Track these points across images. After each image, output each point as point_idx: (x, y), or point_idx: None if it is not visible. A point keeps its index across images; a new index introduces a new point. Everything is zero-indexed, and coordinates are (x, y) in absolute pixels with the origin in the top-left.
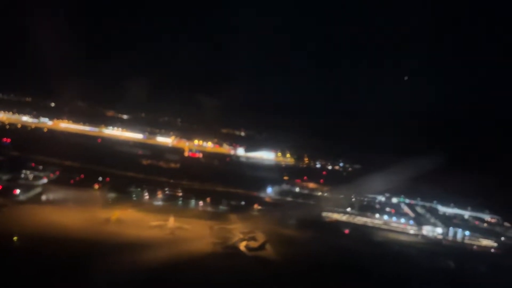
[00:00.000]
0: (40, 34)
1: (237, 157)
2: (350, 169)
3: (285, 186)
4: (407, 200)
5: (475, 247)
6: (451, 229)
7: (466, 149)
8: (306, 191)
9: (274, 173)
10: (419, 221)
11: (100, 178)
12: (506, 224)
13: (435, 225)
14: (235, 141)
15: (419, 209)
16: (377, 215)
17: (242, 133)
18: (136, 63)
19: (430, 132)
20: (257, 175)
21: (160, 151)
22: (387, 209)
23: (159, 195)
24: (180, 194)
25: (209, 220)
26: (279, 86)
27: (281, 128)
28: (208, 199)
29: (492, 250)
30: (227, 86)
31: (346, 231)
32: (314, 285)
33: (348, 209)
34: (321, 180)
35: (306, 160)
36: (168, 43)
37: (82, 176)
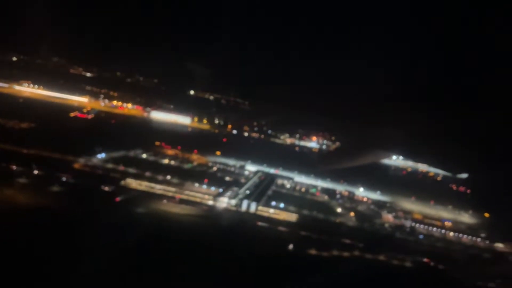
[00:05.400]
0: None
1: (140, 119)
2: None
3: (132, 152)
4: (272, 170)
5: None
6: (245, 201)
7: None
8: (152, 158)
9: (159, 138)
10: (224, 192)
11: None
12: (360, 197)
13: (234, 196)
14: (155, 105)
15: (256, 179)
16: (196, 185)
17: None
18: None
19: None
20: (123, 139)
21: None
22: (227, 178)
23: None
24: None
25: None
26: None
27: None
28: None
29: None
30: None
31: (117, 199)
32: None
33: (168, 177)
34: (178, 147)
35: (229, 127)
36: None
37: None
